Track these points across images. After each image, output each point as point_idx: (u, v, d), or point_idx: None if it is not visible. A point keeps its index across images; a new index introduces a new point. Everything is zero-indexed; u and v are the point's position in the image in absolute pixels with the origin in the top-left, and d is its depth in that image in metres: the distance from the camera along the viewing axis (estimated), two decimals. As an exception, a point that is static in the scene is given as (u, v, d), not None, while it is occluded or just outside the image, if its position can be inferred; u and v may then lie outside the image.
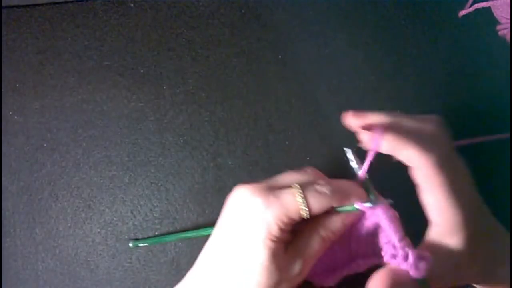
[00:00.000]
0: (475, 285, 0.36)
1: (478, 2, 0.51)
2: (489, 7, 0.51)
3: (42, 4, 0.50)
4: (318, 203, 0.32)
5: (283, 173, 0.35)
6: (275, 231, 0.31)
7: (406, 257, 0.32)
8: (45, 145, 0.48)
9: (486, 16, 0.52)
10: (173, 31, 0.51)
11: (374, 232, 0.36)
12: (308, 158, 0.48)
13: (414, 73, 0.51)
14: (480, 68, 0.51)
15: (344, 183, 0.35)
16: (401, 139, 0.32)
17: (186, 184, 0.47)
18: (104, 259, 0.46)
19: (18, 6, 0.50)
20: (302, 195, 0.32)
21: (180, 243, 0.46)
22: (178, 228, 0.46)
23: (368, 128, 0.34)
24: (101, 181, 0.47)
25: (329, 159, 0.48)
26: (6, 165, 0.47)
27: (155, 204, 0.47)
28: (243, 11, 0.51)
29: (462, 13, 0.52)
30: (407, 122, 0.34)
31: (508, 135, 0.48)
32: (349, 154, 0.35)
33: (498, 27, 0.51)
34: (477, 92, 0.51)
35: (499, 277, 0.34)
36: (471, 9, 0.51)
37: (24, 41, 0.50)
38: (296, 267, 0.32)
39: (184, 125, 0.49)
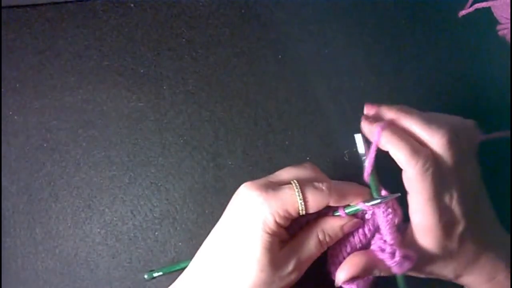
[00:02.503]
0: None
1: (478, 2, 0.51)
2: (489, 7, 0.51)
3: (42, 4, 0.50)
4: (314, 199, 0.33)
5: (282, 169, 0.36)
6: (271, 224, 0.32)
7: (393, 255, 0.33)
8: (45, 145, 0.48)
9: (486, 16, 0.52)
10: (173, 31, 0.51)
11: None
12: (308, 158, 0.48)
13: (414, 73, 0.51)
14: (480, 68, 0.51)
15: (343, 183, 0.35)
16: (396, 138, 0.33)
17: (186, 184, 0.47)
18: (104, 259, 0.46)
19: (18, 6, 0.50)
20: (300, 191, 0.32)
21: (180, 243, 0.46)
22: (178, 228, 0.46)
23: (376, 120, 0.35)
24: (101, 181, 0.47)
25: (329, 159, 0.48)
26: (6, 165, 0.47)
27: (155, 204, 0.47)
28: (243, 11, 0.51)
29: (462, 13, 0.52)
30: (417, 121, 0.34)
31: (508, 132, 0.48)
32: (358, 139, 0.35)
33: (498, 27, 0.51)
34: (477, 92, 0.51)
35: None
36: (471, 9, 0.51)
37: (24, 41, 0.50)
38: (290, 265, 0.32)
39: (184, 125, 0.49)
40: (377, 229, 0.36)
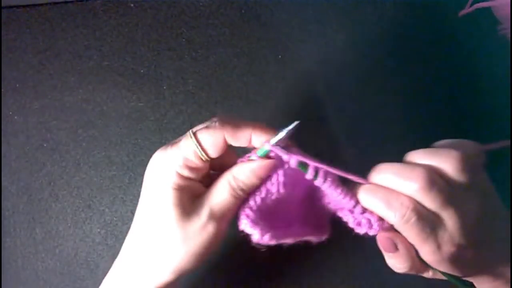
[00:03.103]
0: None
1: (478, 2, 0.51)
2: (489, 7, 0.51)
3: (42, 4, 0.50)
4: (208, 138, 0.32)
5: None
6: (174, 177, 0.32)
7: (370, 224, 0.32)
8: (45, 145, 0.48)
9: (486, 16, 0.52)
10: (173, 31, 0.51)
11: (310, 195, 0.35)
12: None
13: (414, 73, 0.51)
14: (480, 68, 0.51)
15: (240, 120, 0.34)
16: (370, 195, 0.32)
17: (186, 184, 0.47)
18: (104, 259, 0.46)
19: (18, 6, 0.50)
20: (193, 135, 0.32)
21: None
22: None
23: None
24: (101, 181, 0.47)
25: (329, 159, 0.48)
26: (6, 165, 0.47)
27: (155, 204, 0.47)
28: (243, 11, 0.51)
29: (462, 13, 0.52)
30: (388, 173, 0.32)
31: (508, 142, 0.48)
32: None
33: (499, 27, 0.51)
34: (477, 92, 0.51)
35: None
36: (471, 9, 0.51)
37: (24, 41, 0.50)
38: (202, 217, 0.31)
39: (184, 125, 0.49)
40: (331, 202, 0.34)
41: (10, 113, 0.48)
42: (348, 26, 0.51)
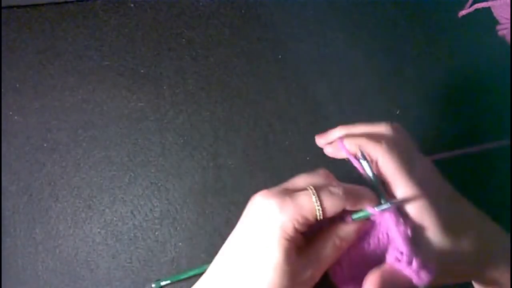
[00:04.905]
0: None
1: (478, 2, 0.51)
2: (489, 7, 0.51)
3: (42, 4, 0.50)
4: (331, 204, 0.33)
5: (296, 176, 0.36)
6: (290, 230, 0.32)
7: (410, 263, 0.32)
8: (45, 145, 0.48)
9: (486, 16, 0.52)
10: (173, 31, 0.51)
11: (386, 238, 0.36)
12: (308, 158, 0.48)
13: (414, 73, 0.51)
14: (480, 68, 0.51)
15: (356, 187, 0.36)
16: (357, 140, 0.36)
17: (186, 184, 0.47)
18: (104, 259, 0.46)
19: (18, 6, 0.50)
20: (316, 196, 0.33)
21: (180, 243, 0.46)
22: (178, 228, 0.46)
23: (331, 143, 0.40)
24: (101, 181, 0.47)
25: (329, 159, 0.48)
26: (6, 165, 0.47)
27: (155, 204, 0.47)
28: (243, 11, 0.51)
29: (462, 13, 0.52)
30: (361, 129, 0.38)
31: (508, 141, 0.48)
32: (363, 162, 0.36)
33: (498, 27, 0.51)
34: (477, 92, 0.51)
35: (490, 277, 0.35)
36: (471, 9, 0.52)
37: (24, 41, 0.50)
38: (308, 272, 0.33)
39: (184, 125, 0.49)
40: (390, 241, 0.35)
41: (10, 113, 0.49)
42: (348, 26, 0.51)
